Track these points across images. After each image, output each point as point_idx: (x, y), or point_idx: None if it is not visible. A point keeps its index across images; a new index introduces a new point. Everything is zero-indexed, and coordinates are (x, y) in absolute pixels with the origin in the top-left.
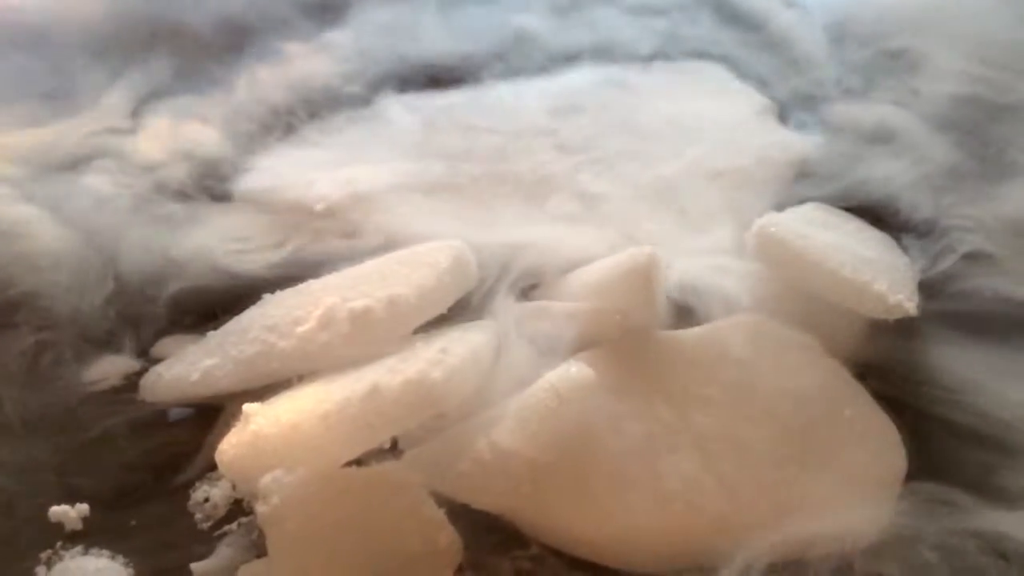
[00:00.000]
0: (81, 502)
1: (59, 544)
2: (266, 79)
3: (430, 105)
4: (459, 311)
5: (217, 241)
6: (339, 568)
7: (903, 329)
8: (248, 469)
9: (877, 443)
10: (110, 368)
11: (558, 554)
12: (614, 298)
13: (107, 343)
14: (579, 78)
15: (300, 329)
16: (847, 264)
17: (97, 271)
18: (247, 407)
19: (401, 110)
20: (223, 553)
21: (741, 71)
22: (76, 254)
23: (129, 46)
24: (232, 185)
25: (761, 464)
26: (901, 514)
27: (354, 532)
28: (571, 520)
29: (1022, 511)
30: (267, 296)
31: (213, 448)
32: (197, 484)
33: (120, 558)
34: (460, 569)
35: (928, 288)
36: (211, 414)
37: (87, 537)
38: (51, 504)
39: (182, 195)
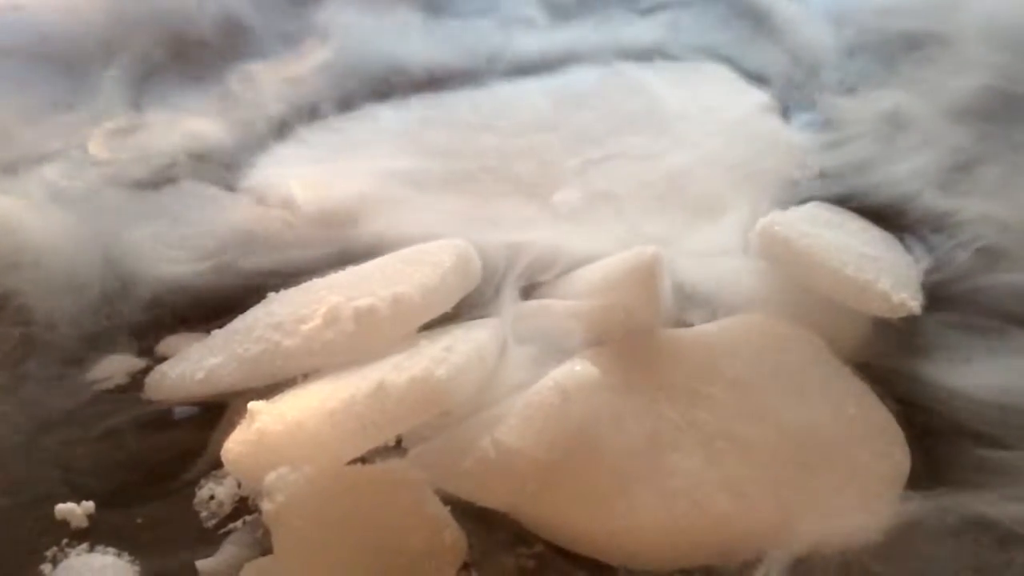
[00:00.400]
0: (87, 500)
1: (65, 542)
2: (266, 81)
3: (433, 104)
4: (463, 309)
5: (221, 239)
6: (344, 565)
7: (907, 328)
8: (253, 467)
9: (881, 442)
10: (115, 367)
11: (562, 552)
12: (618, 296)
13: (112, 341)
14: (580, 77)
15: (305, 327)
16: (851, 263)
17: (99, 269)
18: (252, 405)
19: (403, 109)
20: (228, 551)
21: (744, 67)
22: (77, 253)
23: (130, 46)
24: (236, 183)
25: (765, 462)
26: (904, 513)
27: (359, 530)
28: (575, 518)
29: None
30: (272, 295)
31: (218, 446)
32: (202, 482)
33: (125, 556)
34: (464, 567)
35: (931, 287)
36: (216, 412)
37: (92, 535)
38: (57, 502)
39: (184, 193)
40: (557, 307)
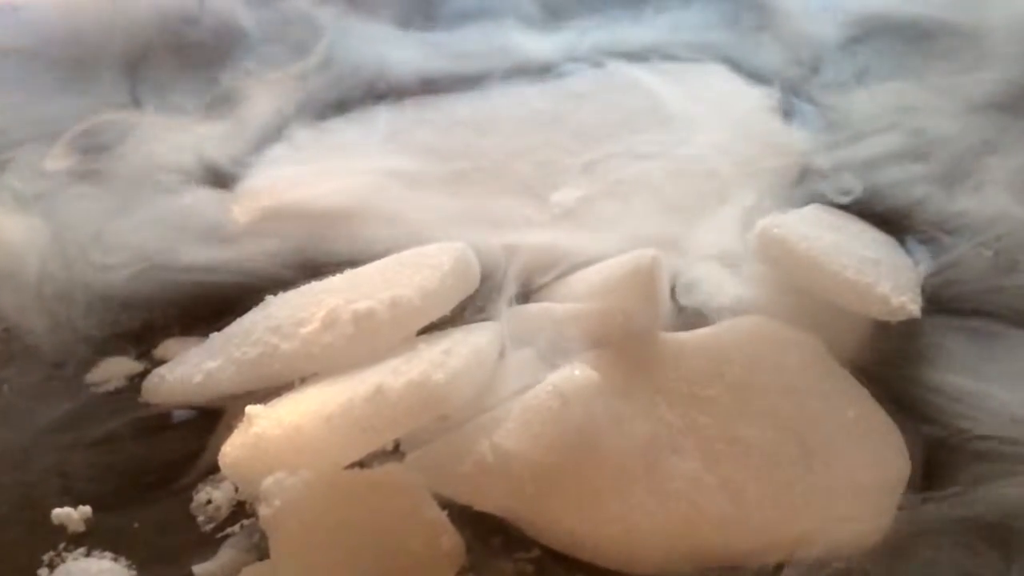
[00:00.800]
0: (84, 504)
1: (61, 546)
2: (263, 82)
3: (431, 105)
4: (462, 313)
5: (219, 242)
6: (341, 570)
7: (907, 331)
8: (251, 471)
9: (880, 445)
10: (113, 370)
11: (561, 556)
12: (617, 300)
13: (110, 345)
14: (579, 78)
15: (303, 331)
16: (850, 266)
17: (97, 270)
18: (250, 409)
19: (401, 111)
20: (225, 555)
21: (744, 67)
22: (71, 254)
23: (131, 50)
24: (232, 185)
25: (764, 465)
26: (903, 516)
27: (356, 534)
28: (574, 522)
29: None
30: (270, 298)
31: (216, 450)
32: (200, 486)
33: (122, 560)
34: (462, 571)
35: (932, 290)
36: (214, 416)
37: (89, 539)
38: (53, 506)
39: (181, 196)
40: (556, 310)
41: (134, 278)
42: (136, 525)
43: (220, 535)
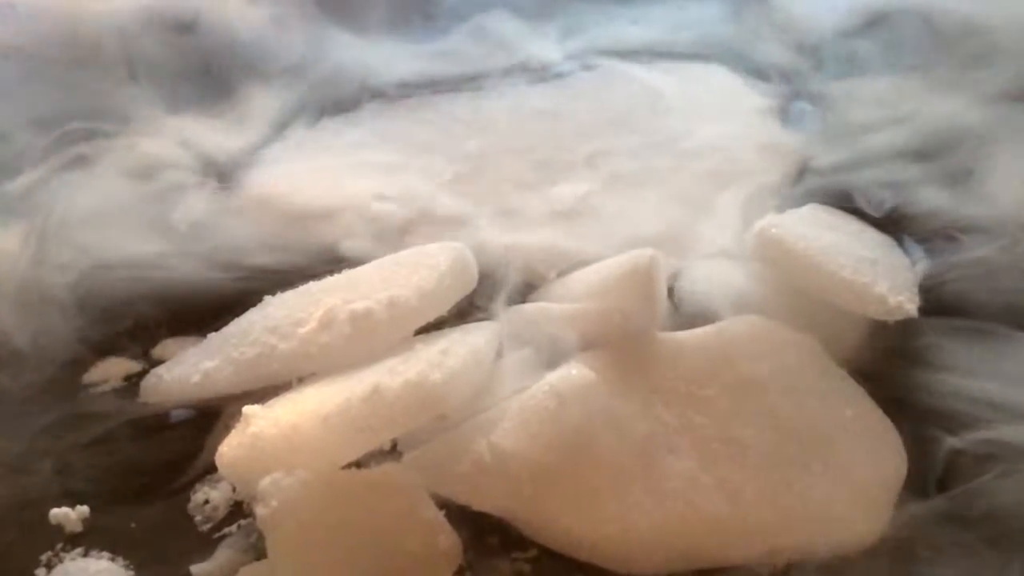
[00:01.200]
0: (81, 504)
1: (59, 546)
2: (263, 83)
3: (430, 106)
4: (460, 312)
5: (219, 242)
6: (339, 570)
7: (904, 330)
8: (248, 471)
9: (877, 445)
10: (111, 370)
11: (558, 556)
12: (615, 299)
13: (108, 344)
14: (579, 79)
15: (301, 331)
16: (848, 265)
17: (95, 270)
18: (247, 409)
19: (400, 112)
20: (223, 555)
21: (743, 67)
22: (74, 253)
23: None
24: (232, 185)
25: (761, 465)
26: (900, 516)
27: (354, 534)
28: (571, 522)
29: (1022, 514)
30: (268, 298)
31: (213, 450)
32: (197, 486)
33: (120, 560)
34: (460, 571)
35: (929, 290)
36: (211, 416)
37: (87, 539)
38: (51, 506)
39: (180, 196)
40: (553, 310)
41: (132, 278)
42: (134, 525)
43: (217, 535)
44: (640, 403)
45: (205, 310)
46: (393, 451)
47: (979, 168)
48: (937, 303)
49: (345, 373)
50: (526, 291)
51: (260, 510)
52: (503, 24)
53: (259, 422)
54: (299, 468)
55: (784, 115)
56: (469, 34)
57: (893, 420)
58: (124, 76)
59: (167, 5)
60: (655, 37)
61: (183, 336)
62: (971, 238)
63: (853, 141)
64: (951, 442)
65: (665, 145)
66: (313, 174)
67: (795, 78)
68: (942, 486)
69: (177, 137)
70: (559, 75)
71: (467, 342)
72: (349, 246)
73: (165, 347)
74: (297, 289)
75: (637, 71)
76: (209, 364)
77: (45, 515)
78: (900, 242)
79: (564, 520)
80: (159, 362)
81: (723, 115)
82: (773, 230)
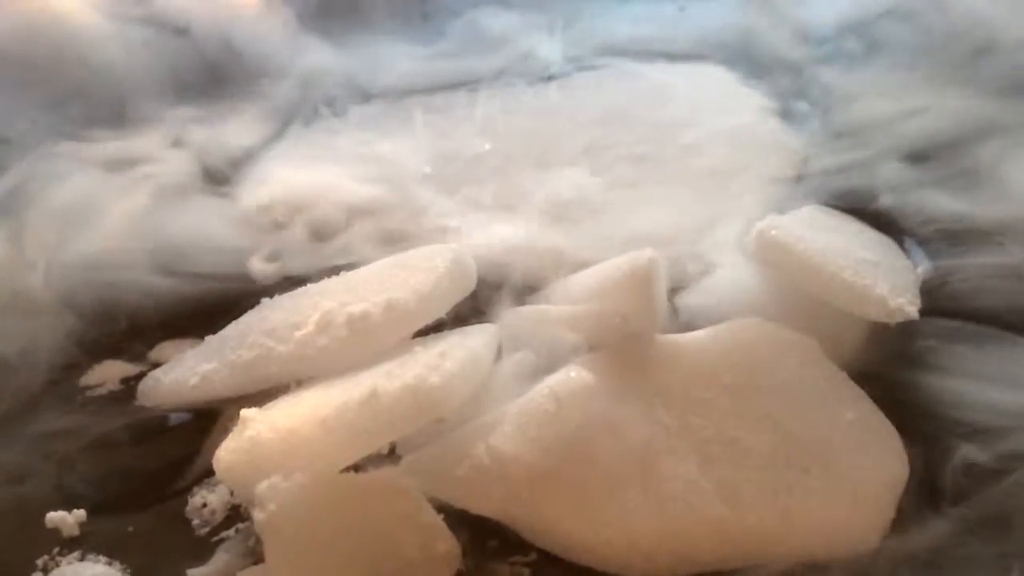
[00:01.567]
0: (78, 508)
1: (56, 550)
2: (262, 84)
3: (430, 107)
4: (458, 315)
5: (215, 245)
6: (337, 574)
7: (904, 333)
8: (245, 475)
9: (878, 448)
10: (108, 372)
11: (557, 560)
12: (614, 302)
13: (105, 347)
14: (579, 80)
15: (298, 334)
16: (848, 267)
17: (97, 270)
18: (245, 412)
19: (401, 113)
20: (220, 559)
21: (743, 67)
22: (77, 252)
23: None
24: (230, 187)
25: (761, 468)
26: (901, 519)
27: (352, 538)
28: (570, 525)
29: None
30: (265, 300)
31: (211, 453)
32: (195, 490)
33: (117, 564)
34: (458, 575)
35: (930, 291)
36: (209, 419)
37: (84, 543)
38: (48, 510)
39: (179, 197)
40: (552, 312)
41: (128, 280)
42: (131, 529)
43: (215, 539)
44: (640, 406)
45: (203, 312)
46: (391, 455)
47: (982, 168)
48: (938, 305)
49: (343, 376)
50: (525, 293)
51: (258, 514)
52: (503, 24)
53: (257, 425)
54: (297, 472)
55: (784, 115)
56: (468, 33)
57: (894, 423)
58: (119, 78)
59: (163, 7)
60: (655, 37)
61: (180, 339)
62: (972, 239)
63: (853, 141)
64: (952, 445)
65: (664, 146)
66: (309, 175)
67: (795, 77)
68: (943, 489)
69: (174, 139)
70: (559, 75)
71: (465, 345)
72: (346, 248)
73: (162, 350)
74: (295, 292)
75: (636, 71)
76: (207, 367)
77: (42, 519)
78: (900, 243)
79: (563, 524)
80: (156, 365)
81: (723, 115)
82: (773, 231)
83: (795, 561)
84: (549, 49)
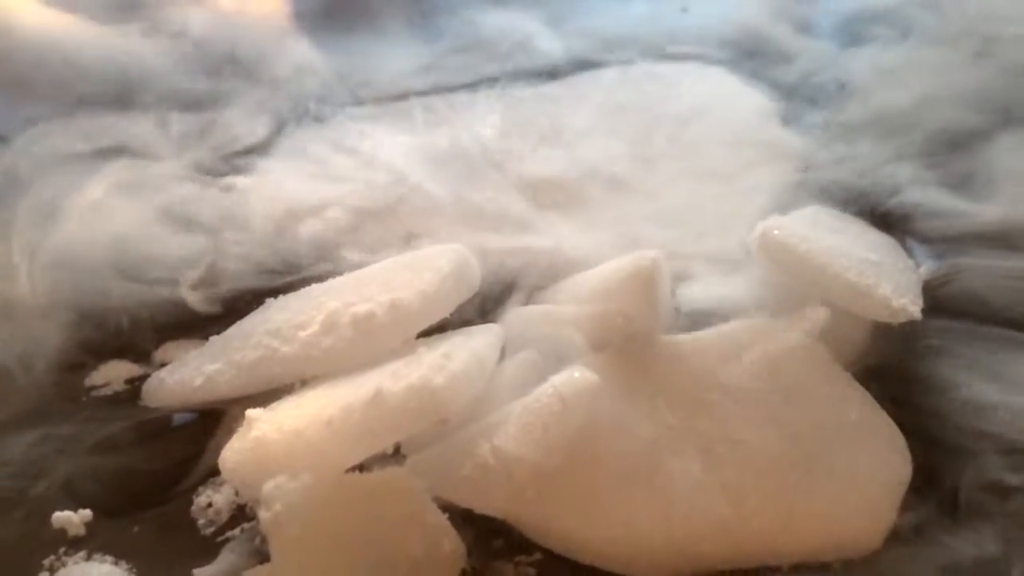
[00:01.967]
0: (84, 508)
1: (62, 550)
2: (263, 85)
3: (431, 107)
4: (462, 315)
5: (220, 244)
6: (342, 574)
7: (908, 333)
8: (251, 475)
9: (882, 448)
10: (113, 373)
11: (562, 559)
12: (617, 302)
13: (109, 347)
14: (579, 80)
15: (303, 334)
16: (851, 268)
17: (99, 271)
18: (250, 412)
19: (402, 113)
20: (226, 559)
21: (743, 68)
22: (78, 253)
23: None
24: (234, 186)
25: (765, 468)
26: (905, 519)
27: (357, 538)
28: (575, 525)
29: None
30: (270, 301)
31: (216, 454)
32: (200, 490)
33: (123, 564)
34: (463, 574)
35: (933, 292)
36: (214, 419)
37: (90, 543)
38: (54, 510)
39: (181, 197)
40: (556, 313)
41: (132, 281)
42: (136, 529)
43: (220, 539)
44: (644, 406)
45: (207, 313)
46: (396, 455)
47: (984, 168)
48: (941, 305)
49: (348, 376)
50: (528, 293)
51: (263, 514)
52: (503, 24)
53: (262, 426)
54: (302, 472)
55: (785, 115)
56: (468, 32)
57: (897, 423)
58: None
59: (161, 9)
60: (655, 36)
61: (185, 339)
62: (975, 239)
63: (855, 141)
64: (956, 445)
65: (666, 147)
66: (310, 177)
67: (798, 77)
68: (946, 488)
69: (174, 140)
70: (559, 75)
71: (470, 345)
72: (349, 249)
73: (167, 350)
74: (299, 292)
75: (637, 70)
76: (211, 367)
77: (48, 519)
78: (903, 244)
79: (568, 523)
80: (161, 365)
81: (724, 116)
82: (776, 232)
83: (799, 561)
84: (549, 48)
